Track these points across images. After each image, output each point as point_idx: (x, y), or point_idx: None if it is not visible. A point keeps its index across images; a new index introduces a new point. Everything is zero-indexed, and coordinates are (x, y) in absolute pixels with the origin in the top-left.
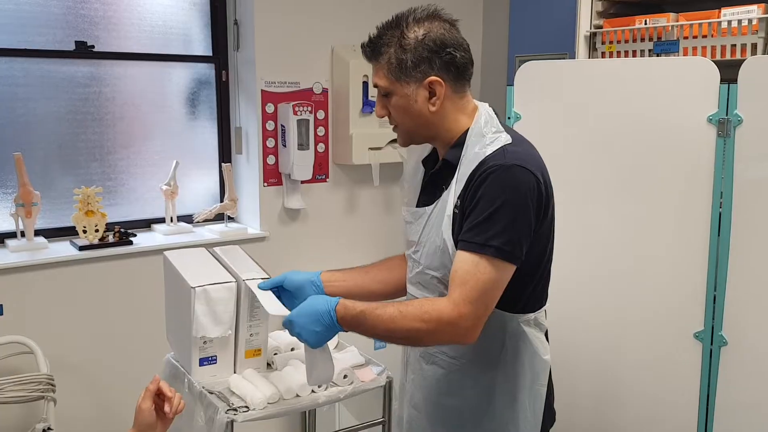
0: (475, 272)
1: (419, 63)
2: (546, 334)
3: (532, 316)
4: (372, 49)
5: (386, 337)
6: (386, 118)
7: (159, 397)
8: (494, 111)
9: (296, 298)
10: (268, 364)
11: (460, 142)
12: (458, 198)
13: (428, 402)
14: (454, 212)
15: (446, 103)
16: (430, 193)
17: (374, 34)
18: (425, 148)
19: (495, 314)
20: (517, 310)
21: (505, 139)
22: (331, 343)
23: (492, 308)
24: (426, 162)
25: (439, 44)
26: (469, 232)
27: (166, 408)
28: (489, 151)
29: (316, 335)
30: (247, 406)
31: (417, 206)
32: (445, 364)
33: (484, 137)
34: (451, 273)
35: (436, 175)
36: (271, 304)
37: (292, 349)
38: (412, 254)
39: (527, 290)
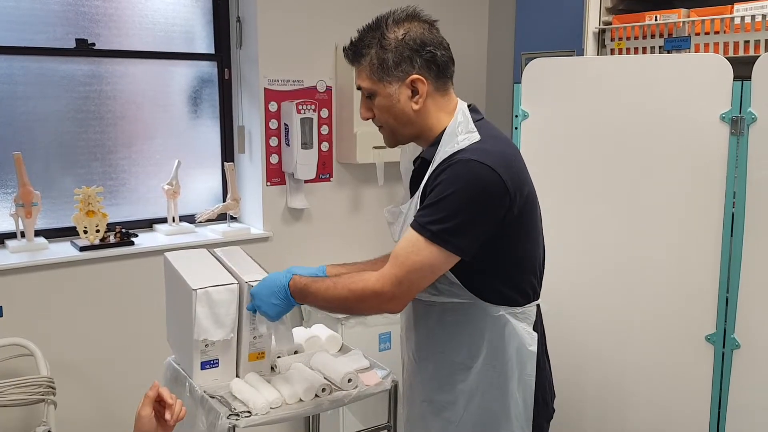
0: (409, 251)
1: (400, 62)
2: (539, 328)
3: (519, 309)
4: (354, 51)
5: (325, 306)
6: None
7: (160, 404)
8: (474, 108)
9: None
10: (272, 368)
11: (437, 141)
12: (422, 193)
13: (424, 399)
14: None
15: (428, 102)
16: (412, 192)
17: (355, 37)
18: (416, 149)
19: (479, 307)
20: (501, 303)
21: (474, 137)
22: (335, 346)
23: (421, 287)
24: (415, 162)
25: (419, 43)
26: (419, 212)
27: (167, 416)
28: (457, 149)
29: (275, 308)
30: (249, 411)
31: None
32: (434, 359)
33: (456, 137)
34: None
35: (416, 174)
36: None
37: (296, 352)
38: None
39: (511, 285)
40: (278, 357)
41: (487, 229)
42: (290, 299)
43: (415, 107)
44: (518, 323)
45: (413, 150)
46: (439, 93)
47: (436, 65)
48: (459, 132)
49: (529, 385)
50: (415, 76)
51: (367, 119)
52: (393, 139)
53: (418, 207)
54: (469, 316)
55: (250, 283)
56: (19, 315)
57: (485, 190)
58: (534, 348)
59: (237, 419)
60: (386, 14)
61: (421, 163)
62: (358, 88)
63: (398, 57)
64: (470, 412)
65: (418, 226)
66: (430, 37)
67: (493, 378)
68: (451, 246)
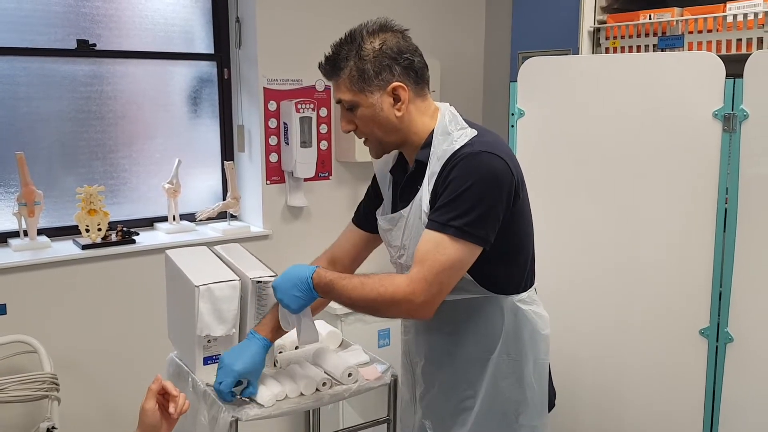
0: (434, 251)
1: (380, 71)
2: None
3: (525, 295)
4: (331, 66)
5: (351, 305)
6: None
7: (164, 397)
8: (455, 110)
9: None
10: (273, 363)
11: (428, 143)
12: (431, 193)
13: (442, 396)
14: (431, 205)
15: (410, 107)
16: (406, 196)
17: (330, 52)
18: (391, 158)
19: (491, 299)
20: (511, 291)
21: (471, 132)
22: (335, 342)
23: (450, 287)
24: (395, 170)
25: (396, 51)
26: (435, 212)
27: (171, 408)
28: (457, 146)
29: (297, 300)
30: (254, 404)
31: (393, 212)
32: (450, 357)
33: (450, 134)
34: (416, 250)
35: (410, 178)
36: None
37: (296, 348)
38: (398, 260)
39: (518, 272)
40: (279, 352)
41: (502, 216)
42: (312, 291)
43: (398, 114)
44: (528, 308)
45: (387, 159)
46: (419, 98)
47: (414, 71)
48: (452, 129)
49: (543, 369)
50: (396, 83)
51: (349, 132)
52: (379, 149)
53: (427, 210)
54: (481, 310)
55: (254, 279)
56: (22, 312)
57: (499, 179)
58: (547, 331)
59: (239, 411)
60: (359, 27)
61: (417, 166)
62: (338, 102)
63: (378, 66)
64: (489, 402)
65: (439, 225)
66: (405, 45)
67: (509, 366)
68: (476, 238)
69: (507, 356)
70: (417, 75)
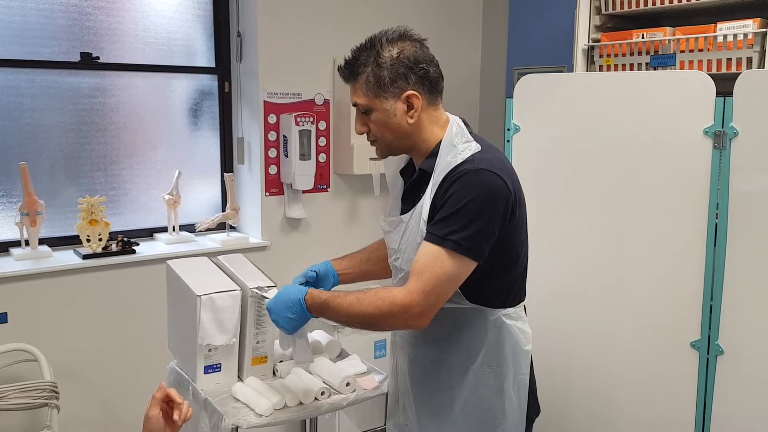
0: (432, 264)
1: (396, 79)
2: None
3: (512, 310)
4: (350, 70)
5: (347, 322)
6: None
7: (168, 404)
8: (464, 122)
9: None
10: (273, 372)
11: (434, 152)
12: (431, 204)
13: (420, 401)
14: (429, 217)
15: (423, 116)
16: (408, 201)
17: (350, 56)
18: (402, 160)
19: (477, 311)
20: (498, 305)
21: (475, 147)
22: (334, 351)
23: (446, 298)
24: (404, 172)
25: (413, 61)
26: (434, 225)
27: (175, 416)
28: (460, 159)
29: (291, 321)
30: (252, 413)
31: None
32: (432, 363)
33: (455, 147)
34: (413, 261)
35: (413, 185)
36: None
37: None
38: (393, 262)
39: (506, 287)
40: (280, 362)
41: (497, 233)
42: (306, 312)
43: (411, 121)
44: (513, 323)
45: (398, 160)
46: (432, 107)
47: (429, 81)
48: (457, 142)
49: (523, 383)
50: (410, 91)
51: (362, 134)
52: (387, 152)
53: (427, 219)
54: (467, 320)
55: (254, 289)
56: (23, 321)
57: (497, 197)
58: (529, 347)
59: (239, 419)
60: (379, 34)
61: (420, 174)
62: (354, 105)
63: (394, 74)
64: (467, 411)
65: (438, 238)
66: (422, 54)
67: (489, 378)
68: (472, 253)
69: (488, 367)
70: (431, 85)
